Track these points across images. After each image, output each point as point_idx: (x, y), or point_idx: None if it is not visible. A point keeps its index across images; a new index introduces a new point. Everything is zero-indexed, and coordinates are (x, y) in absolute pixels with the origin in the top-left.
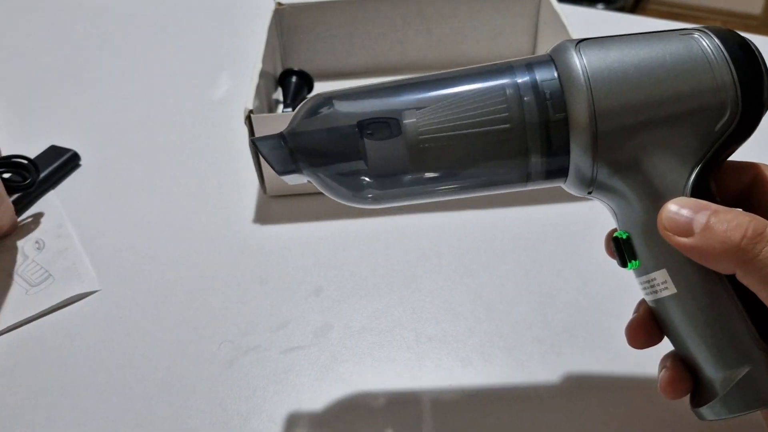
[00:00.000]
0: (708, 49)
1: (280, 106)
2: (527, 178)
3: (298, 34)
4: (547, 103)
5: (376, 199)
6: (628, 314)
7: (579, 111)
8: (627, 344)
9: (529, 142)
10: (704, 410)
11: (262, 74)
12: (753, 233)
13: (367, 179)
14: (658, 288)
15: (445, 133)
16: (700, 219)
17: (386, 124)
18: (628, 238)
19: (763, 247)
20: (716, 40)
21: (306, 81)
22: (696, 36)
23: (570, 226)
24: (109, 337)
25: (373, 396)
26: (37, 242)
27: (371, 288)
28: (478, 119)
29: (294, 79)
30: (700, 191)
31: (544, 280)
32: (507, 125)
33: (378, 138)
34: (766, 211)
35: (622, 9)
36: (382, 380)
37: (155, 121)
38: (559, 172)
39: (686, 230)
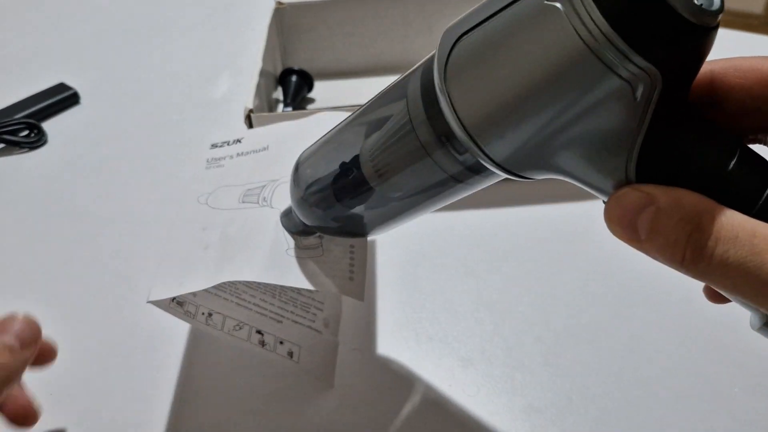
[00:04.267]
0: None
1: (280, 105)
2: (456, 179)
3: (298, 34)
4: (429, 110)
5: (370, 232)
6: (628, 314)
7: (449, 119)
8: (627, 344)
9: (427, 149)
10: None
11: (263, 73)
12: (692, 250)
13: (356, 218)
14: None
15: (382, 153)
16: (642, 224)
17: (352, 172)
18: None
19: (706, 265)
20: None
21: (306, 80)
22: None
23: (570, 226)
24: None
25: (373, 396)
26: None
27: (371, 288)
28: (392, 138)
29: (294, 78)
30: (660, 149)
31: (545, 279)
32: (407, 138)
33: (353, 187)
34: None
35: None
36: (382, 380)
37: (155, 120)
38: (480, 167)
39: (633, 234)
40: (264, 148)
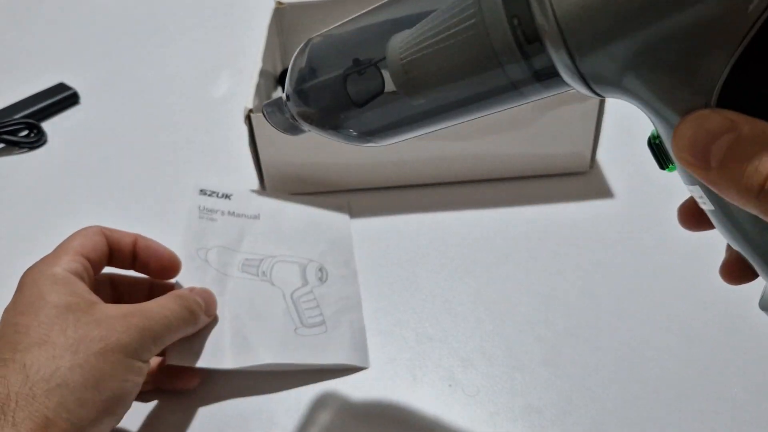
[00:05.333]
0: None
1: None
2: (514, 87)
3: (298, 34)
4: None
5: (380, 139)
6: (628, 314)
7: (540, 14)
8: (627, 344)
9: (494, 42)
10: None
11: (262, 73)
12: None
13: (365, 124)
14: (701, 201)
15: (422, 51)
16: (718, 149)
17: (370, 65)
18: (661, 143)
19: None
20: None
21: None
22: None
23: (570, 226)
24: None
25: (373, 396)
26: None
27: (371, 288)
28: (448, 34)
29: None
30: (746, 81)
31: (545, 279)
32: (473, 30)
33: (365, 80)
34: None
35: None
36: (383, 380)
37: (155, 120)
38: (552, 77)
39: (703, 161)
40: (255, 216)
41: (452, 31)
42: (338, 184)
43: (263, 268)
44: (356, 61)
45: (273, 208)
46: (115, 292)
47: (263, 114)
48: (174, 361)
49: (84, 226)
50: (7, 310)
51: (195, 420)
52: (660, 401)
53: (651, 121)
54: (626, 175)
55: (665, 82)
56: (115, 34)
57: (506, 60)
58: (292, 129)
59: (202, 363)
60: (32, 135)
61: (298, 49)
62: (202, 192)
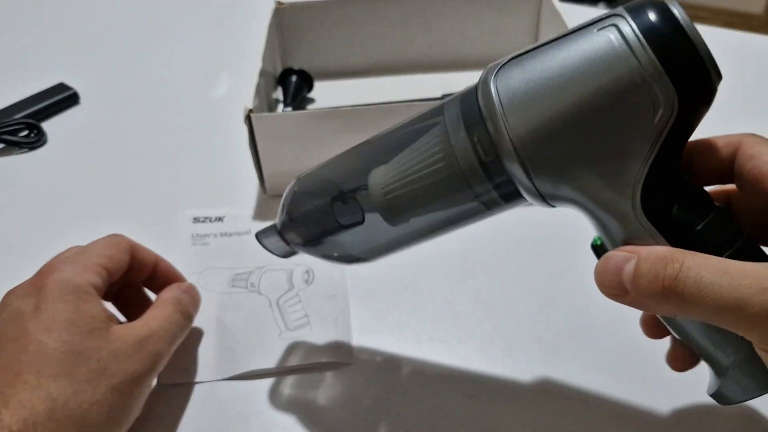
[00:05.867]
0: (626, 35)
1: (280, 106)
2: (486, 207)
3: (298, 34)
4: (474, 136)
5: (365, 261)
6: (628, 313)
7: (499, 139)
8: (627, 343)
9: (466, 174)
10: (720, 393)
11: (262, 73)
12: (668, 278)
13: (349, 247)
14: None
15: (401, 185)
16: (627, 272)
17: (353, 195)
18: (602, 245)
19: (682, 287)
20: (631, 23)
21: (306, 80)
22: (615, 23)
23: (570, 227)
24: None
25: (373, 396)
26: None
27: (371, 288)
28: (423, 165)
29: (294, 78)
30: (658, 187)
31: (545, 280)
32: (443, 164)
33: (351, 208)
34: (748, 184)
35: None
36: (382, 380)
37: (155, 120)
38: (513, 194)
39: (619, 289)
40: (246, 232)
41: (426, 162)
42: None
43: (252, 279)
44: (341, 192)
45: (264, 223)
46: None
47: (257, 240)
48: (166, 380)
49: (82, 227)
50: (26, 315)
51: (195, 420)
52: (660, 401)
53: (593, 226)
54: None
55: (596, 187)
56: (116, 35)
57: (474, 181)
58: (286, 252)
59: (192, 378)
60: (32, 135)
61: (288, 186)
62: (196, 220)
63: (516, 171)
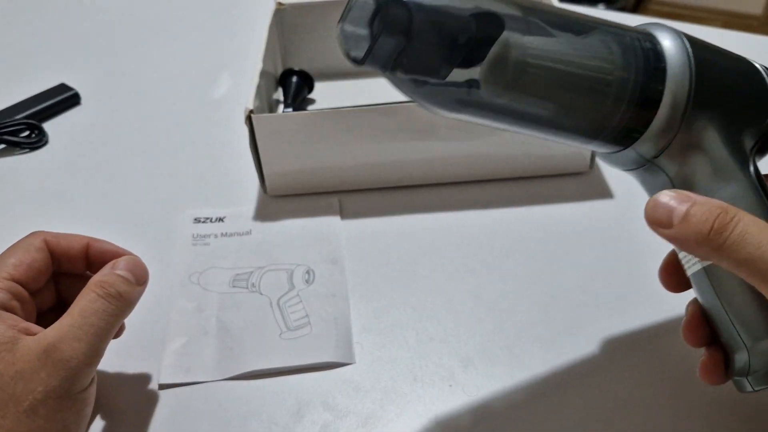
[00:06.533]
0: None
1: (281, 106)
2: (596, 135)
3: (299, 34)
4: (651, 71)
5: (455, 109)
6: (628, 313)
7: (677, 89)
8: (627, 344)
9: (623, 96)
10: (744, 381)
11: (263, 74)
12: (719, 224)
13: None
14: (690, 263)
15: (551, 64)
16: (680, 210)
17: (487, 32)
18: None
19: (728, 235)
20: None
21: (306, 81)
22: None
23: (571, 226)
24: None
25: (373, 396)
26: (308, 272)
27: (371, 287)
28: (586, 63)
29: (294, 79)
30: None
31: (546, 279)
32: (610, 77)
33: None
34: None
35: (623, 9)
36: (383, 380)
37: (155, 121)
38: (628, 139)
39: (667, 221)
40: (247, 233)
41: (587, 69)
42: (342, 184)
43: (252, 280)
44: (480, 16)
45: (265, 224)
46: (58, 285)
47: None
48: (166, 380)
49: (83, 228)
50: None
51: (195, 420)
52: (661, 400)
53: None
54: (626, 175)
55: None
56: (116, 35)
57: (609, 119)
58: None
59: (192, 378)
60: (33, 135)
61: None
62: (197, 220)
63: (665, 123)
